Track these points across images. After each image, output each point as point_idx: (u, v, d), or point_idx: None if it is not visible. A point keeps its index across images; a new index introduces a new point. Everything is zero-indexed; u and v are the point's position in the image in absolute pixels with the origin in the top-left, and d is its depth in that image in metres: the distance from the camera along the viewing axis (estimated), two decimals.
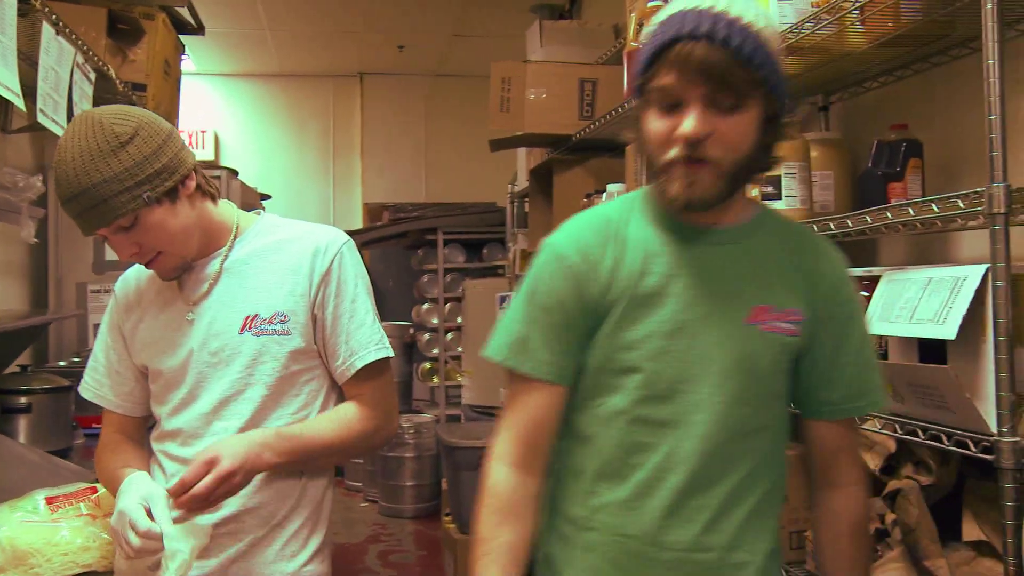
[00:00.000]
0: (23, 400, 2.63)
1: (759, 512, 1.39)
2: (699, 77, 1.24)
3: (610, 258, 1.37)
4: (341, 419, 1.67)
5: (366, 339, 1.67)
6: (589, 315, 1.37)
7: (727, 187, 1.30)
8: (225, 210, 1.72)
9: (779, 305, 1.36)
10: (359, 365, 1.66)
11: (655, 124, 1.30)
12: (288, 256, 1.67)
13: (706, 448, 1.33)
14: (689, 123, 1.25)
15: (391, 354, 1.71)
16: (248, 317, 1.64)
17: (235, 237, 1.70)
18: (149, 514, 1.48)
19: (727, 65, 1.23)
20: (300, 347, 1.65)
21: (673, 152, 1.28)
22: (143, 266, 1.66)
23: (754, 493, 1.37)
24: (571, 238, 1.40)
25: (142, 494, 1.52)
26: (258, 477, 1.60)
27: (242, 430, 1.62)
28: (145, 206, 1.53)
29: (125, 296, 1.75)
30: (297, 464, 1.64)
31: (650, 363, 1.34)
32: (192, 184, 1.62)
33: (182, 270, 1.66)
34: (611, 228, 1.39)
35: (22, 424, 2.62)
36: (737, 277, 1.37)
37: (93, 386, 1.78)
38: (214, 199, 1.70)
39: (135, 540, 1.46)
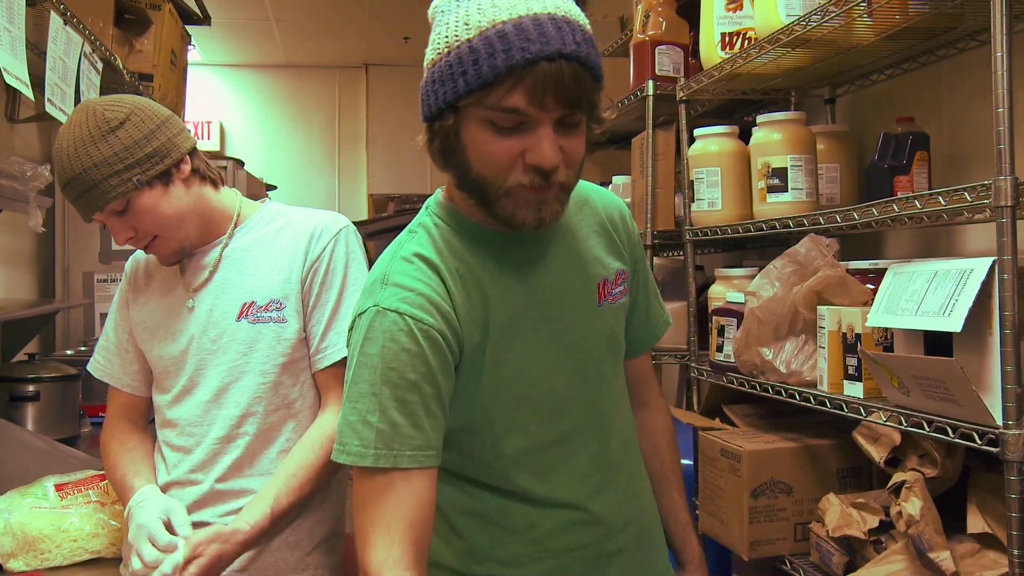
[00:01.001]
0: (31, 388, 2.64)
1: (635, 450, 1.48)
2: (555, 101, 1.13)
3: (458, 303, 1.25)
4: (308, 461, 1.60)
5: (344, 333, 1.62)
6: (453, 374, 1.26)
7: (567, 201, 1.26)
8: (227, 197, 1.72)
9: (610, 274, 1.40)
10: (331, 360, 1.64)
11: (490, 145, 1.17)
12: (286, 242, 1.67)
13: (601, 431, 1.38)
14: (547, 152, 1.15)
15: None
16: (245, 304, 1.64)
17: (236, 225, 1.70)
18: (168, 527, 1.52)
19: (586, 87, 1.15)
20: (294, 335, 1.64)
21: (520, 178, 1.18)
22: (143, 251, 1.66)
23: (631, 437, 1.47)
24: (409, 296, 1.22)
25: (161, 507, 1.55)
26: (260, 461, 1.63)
27: (242, 418, 1.63)
28: (135, 189, 1.54)
29: (135, 276, 1.77)
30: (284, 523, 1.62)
31: (538, 388, 1.31)
32: (187, 168, 1.62)
33: (181, 255, 1.67)
34: (440, 270, 1.26)
35: (30, 412, 2.63)
36: (576, 265, 1.36)
37: (103, 365, 1.79)
38: (215, 185, 1.70)
39: (151, 554, 1.48)
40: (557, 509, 1.34)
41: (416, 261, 1.26)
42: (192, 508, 1.62)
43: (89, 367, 1.80)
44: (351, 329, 1.27)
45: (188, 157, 1.62)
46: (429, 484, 1.22)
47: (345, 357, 1.54)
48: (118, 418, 1.77)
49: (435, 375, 1.21)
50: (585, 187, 1.45)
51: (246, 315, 1.64)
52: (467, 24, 1.15)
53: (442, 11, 1.21)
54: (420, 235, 1.31)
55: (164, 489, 1.67)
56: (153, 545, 1.49)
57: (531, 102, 1.13)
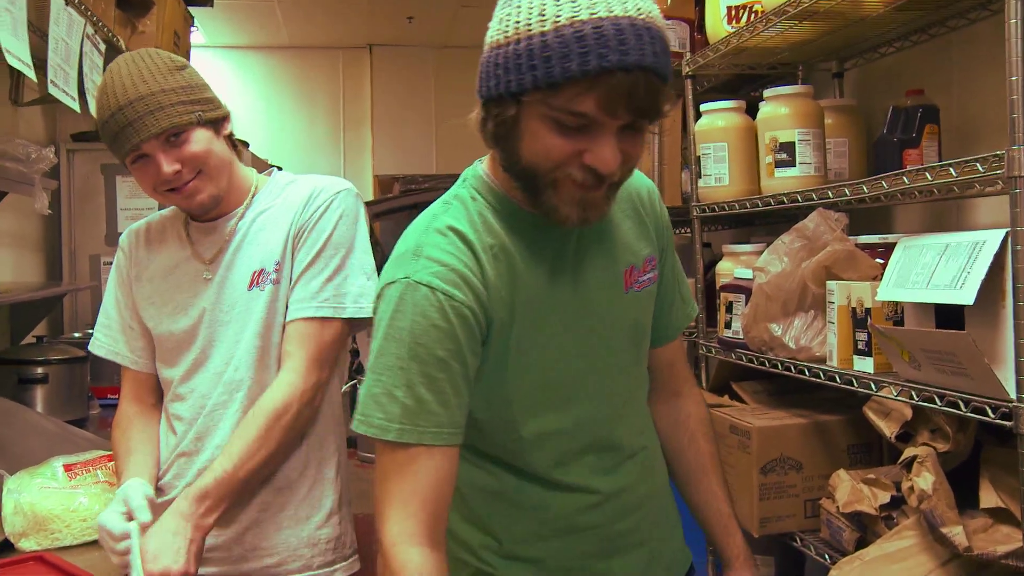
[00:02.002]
0: (40, 371, 2.65)
1: (651, 435, 1.47)
2: (626, 111, 1.10)
3: (489, 281, 1.22)
4: (260, 425, 1.57)
5: (312, 292, 1.63)
6: (480, 352, 1.24)
7: (614, 199, 1.23)
8: (246, 172, 1.74)
9: (639, 260, 1.38)
10: (290, 317, 1.64)
11: (550, 141, 1.13)
12: (285, 208, 1.68)
13: (619, 419, 1.37)
14: (608, 158, 1.12)
15: (326, 315, 1.62)
16: (255, 273, 1.65)
17: (253, 197, 1.72)
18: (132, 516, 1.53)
19: (657, 97, 1.12)
20: (282, 297, 1.65)
21: (574, 174, 1.15)
22: (175, 192, 1.62)
23: (647, 418, 1.46)
24: (442, 271, 1.20)
25: (119, 499, 1.56)
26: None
27: (240, 382, 1.64)
28: (198, 123, 1.59)
29: (135, 250, 1.75)
30: (244, 493, 1.60)
31: (562, 374, 1.30)
32: (229, 127, 1.68)
33: (213, 204, 1.65)
34: (474, 245, 1.23)
35: (39, 394, 2.64)
36: (606, 251, 1.34)
37: (107, 343, 1.76)
38: (239, 153, 1.73)
39: (116, 548, 1.51)
40: (570, 493, 1.33)
41: (450, 235, 1.23)
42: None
43: (91, 347, 1.78)
44: (378, 298, 1.24)
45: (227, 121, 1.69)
46: (450, 461, 1.21)
47: (307, 318, 1.61)
48: (127, 400, 1.76)
49: (464, 353, 1.20)
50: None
51: (255, 284, 1.65)
52: (542, 15, 1.10)
53: None
54: (456, 208, 1.27)
55: (174, 461, 1.67)
56: (112, 539, 1.51)
57: (601, 109, 1.09)
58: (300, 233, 1.65)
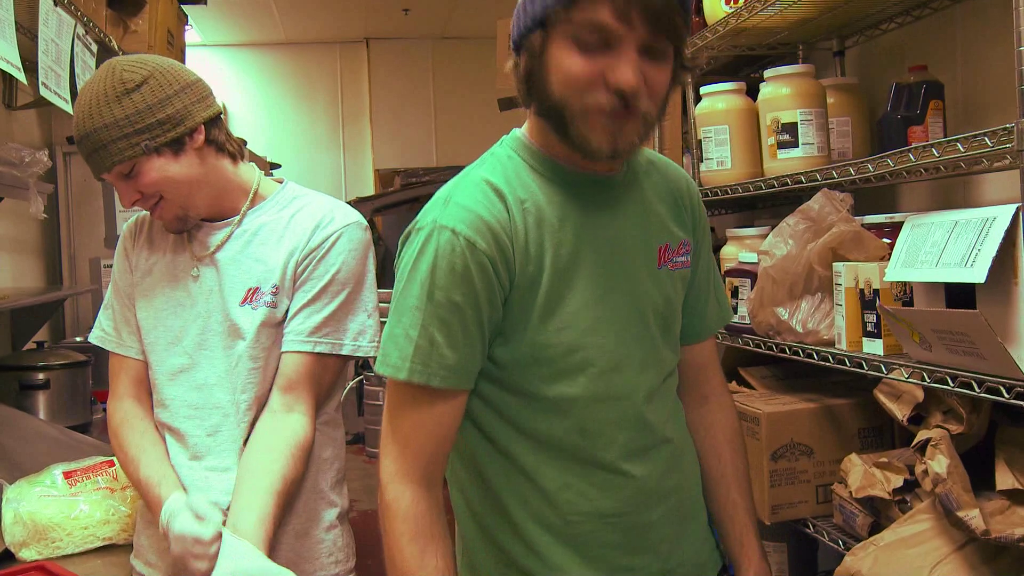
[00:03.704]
0: (41, 376, 2.63)
1: (682, 426, 1.46)
2: (642, 19, 1.13)
3: (517, 234, 1.24)
4: (291, 471, 1.54)
5: (311, 327, 1.59)
6: (500, 305, 1.25)
7: (646, 137, 1.24)
8: (245, 172, 1.68)
9: (673, 240, 1.38)
10: (285, 348, 1.60)
11: (573, 62, 1.16)
12: (295, 229, 1.63)
13: (649, 398, 1.35)
14: (629, 72, 1.14)
15: (324, 351, 1.60)
16: (250, 290, 1.61)
17: (251, 203, 1.66)
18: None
19: (674, 12, 1.14)
20: (276, 321, 1.61)
21: (600, 99, 1.16)
22: (149, 213, 1.64)
23: (678, 411, 1.45)
24: (469, 217, 1.22)
25: (188, 507, 1.50)
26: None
27: (237, 404, 1.60)
28: (143, 155, 1.52)
29: (136, 239, 1.71)
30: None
31: (591, 338, 1.28)
32: (200, 139, 1.58)
33: (186, 224, 1.62)
34: (506, 198, 1.25)
35: (41, 400, 2.62)
36: (643, 223, 1.34)
37: (112, 335, 1.70)
38: (234, 159, 1.66)
39: (209, 553, 1.44)
40: (594, 469, 1.30)
41: (483, 185, 1.25)
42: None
43: (91, 336, 1.73)
44: (405, 240, 1.27)
45: (204, 127, 1.58)
46: (455, 405, 1.25)
47: (305, 352, 1.58)
48: (127, 398, 1.67)
49: (479, 300, 1.21)
50: (654, 154, 1.45)
51: (249, 301, 1.61)
52: None
53: None
54: (490, 162, 1.31)
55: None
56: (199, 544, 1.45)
57: (617, 17, 1.12)
58: (305, 264, 1.60)
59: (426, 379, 1.21)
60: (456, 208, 1.23)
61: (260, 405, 1.61)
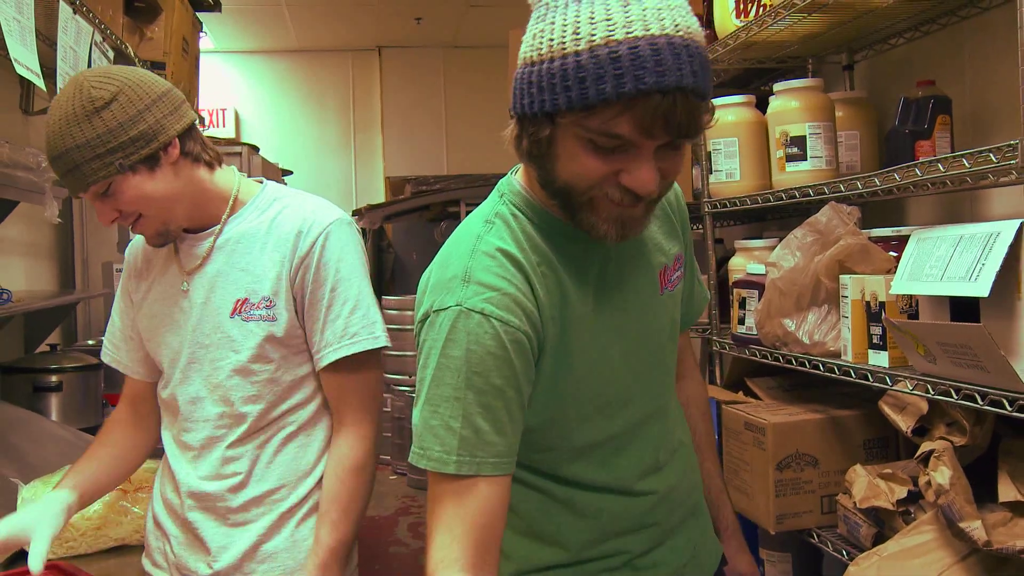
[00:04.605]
0: (54, 379, 2.66)
1: (686, 427, 1.50)
2: (664, 130, 1.06)
3: (541, 302, 1.20)
4: (350, 486, 1.58)
5: (341, 331, 1.58)
6: (533, 377, 1.21)
7: (653, 212, 1.21)
8: (223, 179, 1.65)
9: (669, 259, 1.38)
10: (328, 359, 1.59)
11: (588, 163, 1.10)
12: (277, 236, 1.60)
13: (664, 413, 1.40)
14: (646, 179, 1.10)
15: (366, 347, 1.59)
16: (238, 301, 1.59)
17: (232, 210, 1.64)
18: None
19: (696, 116, 1.08)
20: (281, 334, 1.59)
21: (611, 193, 1.12)
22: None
23: (682, 416, 1.49)
24: (496, 296, 1.16)
25: (22, 524, 1.54)
26: (266, 461, 1.61)
27: (236, 417, 1.60)
28: (118, 173, 1.49)
29: (134, 261, 1.73)
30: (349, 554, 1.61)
31: (610, 383, 1.29)
32: (175, 152, 1.54)
33: (168, 237, 1.61)
34: (524, 267, 1.20)
35: (53, 402, 2.65)
36: (643, 255, 1.33)
37: (111, 351, 1.76)
38: (211, 167, 1.63)
39: None
40: (623, 496, 1.33)
41: (499, 256, 1.20)
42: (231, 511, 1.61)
43: (101, 355, 1.79)
44: (424, 323, 1.20)
45: (179, 140, 1.55)
46: (504, 489, 1.18)
47: (344, 357, 1.56)
48: (122, 403, 1.76)
49: (519, 379, 1.17)
50: None
51: (239, 312, 1.59)
52: (576, 33, 1.06)
53: (548, 4, 1.12)
54: (499, 226, 1.24)
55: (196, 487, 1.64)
56: None
57: (637, 131, 1.06)
58: (301, 275, 1.58)
59: (476, 470, 1.14)
60: (478, 287, 1.17)
61: (281, 420, 1.62)
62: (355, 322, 1.58)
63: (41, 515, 1.55)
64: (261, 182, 1.70)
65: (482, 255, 1.20)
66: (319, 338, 1.59)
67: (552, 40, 1.08)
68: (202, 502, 1.61)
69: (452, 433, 1.14)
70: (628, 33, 1.03)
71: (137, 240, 1.74)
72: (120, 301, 1.76)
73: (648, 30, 1.03)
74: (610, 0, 1.06)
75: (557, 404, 1.25)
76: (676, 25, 1.05)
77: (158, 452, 1.74)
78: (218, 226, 1.63)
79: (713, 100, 2.44)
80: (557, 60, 1.07)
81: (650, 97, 1.03)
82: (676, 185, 1.44)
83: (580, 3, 1.07)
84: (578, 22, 1.06)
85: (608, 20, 1.05)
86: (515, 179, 1.29)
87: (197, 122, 1.62)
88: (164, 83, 1.56)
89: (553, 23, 1.09)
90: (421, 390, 1.19)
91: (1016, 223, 1.44)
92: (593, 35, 1.05)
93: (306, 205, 1.63)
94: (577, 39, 1.06)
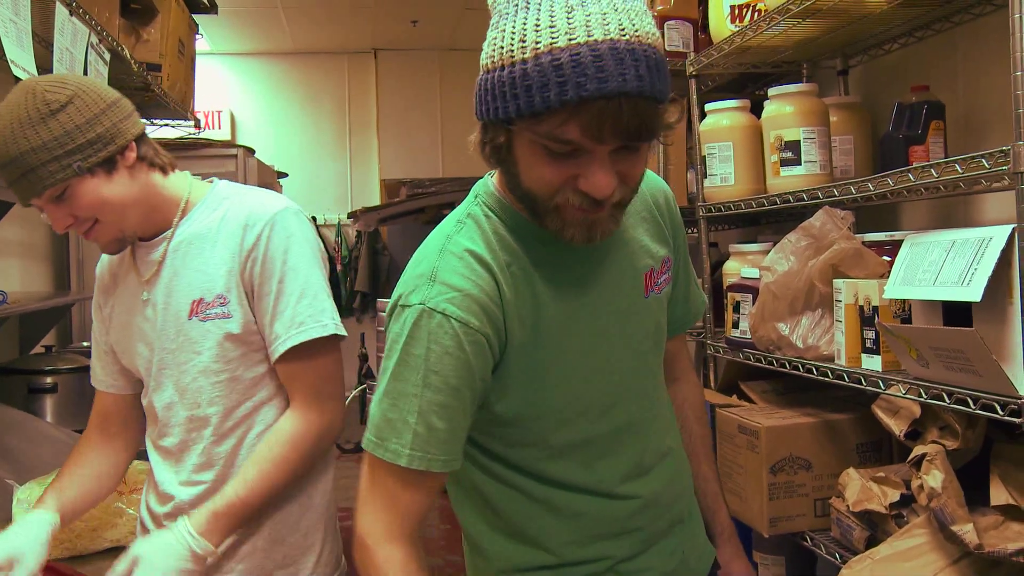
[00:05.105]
0: (49, 380, 2.66)
1: (675, 433, 1.48)
2: (613, 134, 1.06)
3: (507, 302, 1.21)
4: (275, 453, 1.54)
5: (289, 321, 1.54)
6: (491, 374, 1.23)
7: (622, 217, 1.21)
8: (175, 183, 1.63)
9: (656, 262, 1.37)
10: (280, 351, 1.55)
11: (544, 169, 1.11)
12: (226, 233, 1.58)
13: (650, 420, 1.39)
14: (600, 182, 1.09)
15: (313, 335, 1.54)
16: (194, 302, 1.57)
17: (183, 214, 1.62)
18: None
19: (647, 118, 1.07)
20: (240, 328, 1.56)
21: (571, 199, 1.12)
22: (84, 234, 1.58)
23: (672, 421, 1.47)
24: (458, 296, 1.18)
25: (11, 548, 1.53)
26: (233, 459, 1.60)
27: (204, 418, 1.59)
28: (75, 176, 1.46)
29: (102, 278, 1.72)
30: (252, 519, 1.56)
31: (589, 385, 1.30)
32: (132, 156, 1.53)
33: (123, 244, 1.60)
34: (491, 267, 1.21)
35: (48, 404, 2.65)
36: (626, 258, 1.33)
37: (95, 369, 1.76)
38: (164, 171, 1.61)
39: None
40: (605, 498, 1.33)
41: (467, 257, 1.21)
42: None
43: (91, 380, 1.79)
44: (392, 313, 1.24)
45: (135, 144, 1.53)
46: (439, 482, 1.25)
47: (294, 346, 1.53)
48: (89, 429, 1.76)
49: (475, 380, 1.20)
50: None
51: (196, 313, 1.57)
52: (523, 41, 1.07)
53: (500, 12, 1.13)
54: (469, 227, 1.25)
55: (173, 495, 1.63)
56: None
57: (586, 136, 1.06)
58: (249, 268, 1.55)
59: (427, 465, 1.19)
60: (442, 287, 1.19)
61: (247, 419, 1.60)
62: (302, 311, 1.54)
63: (29, 541, 1.55)
64: (212, 182, 1.68)
65: (450, 255, 1.22)
66: (269, 331, 1.56)
67: (503, 48, 1.10)
68: (179, 509, 1.59)
69: (407, 428, 1.19)
70: (571, 40, 1.04)
71: (105, 256, 1.73)
72: (94, 318, 1.75)
73: (591, 36, 1.04)
74: (556, 7, 1.06)
75: (531, 403, 1.26)
76: (621, 29, 1.05)
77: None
78: (171, 229, 1.61)
79: (708, 104, 2.44)
80: (507, 68, 1.09)
81: (594, 103, 1.03)
82: (667, 188, 1.45)
83: (528, 10, 1.08)
84: (524, 30, 1.07)
85: (552, 27, 1.05)
86: (491, 181, 1.31)
87: (192, 125, 1.62)
88: (114, 92, 1.55)
89: (504, 31, 1.10)
90: (382, 380, 1.23)
91: (1008, 228, 1.45)
92: (538, 43, 1.06)
93: (251, 198, 1.61)
94: (523, 47, 1.07)
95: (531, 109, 1.06)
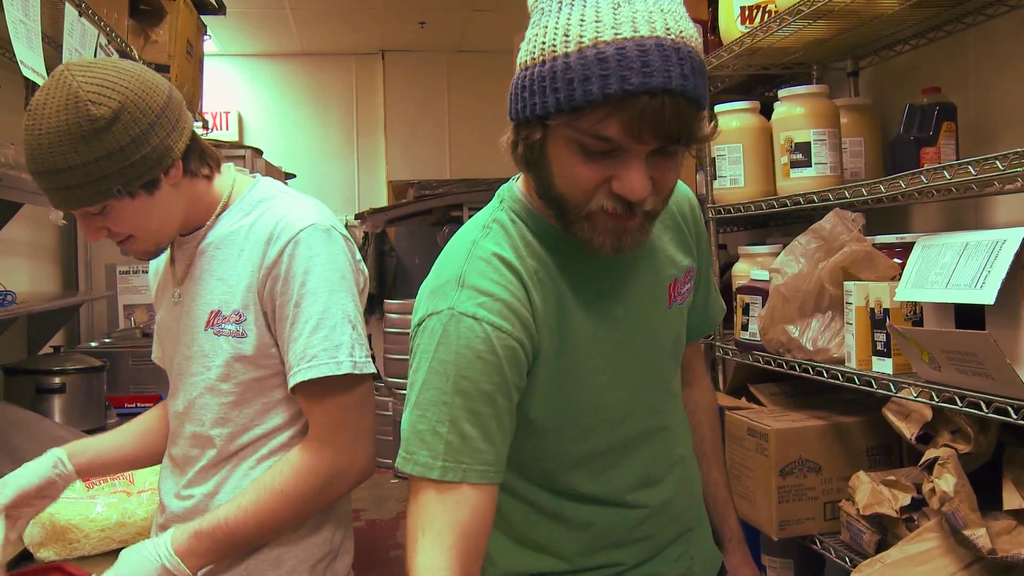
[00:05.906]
0: (57, 380, 2.65)
1: (687, 442, 1.46)
2: (653, 134, 1.04)
3: (536, 308, 1.18)
4: (278, 484, 1.41)
5: (300, 353, 1.40)
6: (524, 385, 1.19)
7: (652, 228, 1.17)
8: (218, 183, 1.53)
9: (680, 272, 1.36)
10: (294, 381, 1.42)
11: (579, 168, 1.08)
12: (253, 241, 1.46)
13: (664, 428, 1.37)
14: (636, 185, 1.07)
15: (324, 373, 1.39)
16: (212, 312, 1.47)
17: (221, 210, 1.51)
18: None
19: (687, 121, 1.05)
20: (253, 350, 1.45)
21: (604, 203, 1.10)
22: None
23: (685, 431, 1.46)
24: (489, 300, 1.15)
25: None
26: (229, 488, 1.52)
27: (205, 439, 1.51)
28: (114, 199, 1.36)
29: (157, 261, 1.66)
30: (242, 548, 1.44)
31: (609, 395, 1.28)
32: (178, 174, 1.42)
33: (158, 252, 1.52)
34: (520, 272, 1.18)
35: (56, 404, 2.64)
36: (650, 267, 1.31)
37: (155, 347, 1.74)
38: (210, 179, 1.51)
39: None
40: (617, 507, 1.32)
41: (495, 262, 1.18)
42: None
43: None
44: (418, 329, 1.18)
45: (181, 161, 1.42)
46: (491, 498, 1.15)
47: (309, 379, 1.40)
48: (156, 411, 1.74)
49: (510, 387, 1.15)
50: None
51: (212, 325, 1.47)
52: (567, 35, 1.05)
53: (542, 9, 1.11)
54: (496, 232, 1.22)
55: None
56: None
57: (626, 134, 1.03)
58: (269, 287, 1.43)
59: (461, 476, 1.11)
60: (471, 291, 1.15)
61: (254, 445, 1.50)
62: (316, 343, 1.40)
63: (25, 471, 1.58)
64: (255, 177, 1.59)
65: (478, 260, 1.18)
66: (285, 359, 1.44)
67: (544, 44, 1.08)
68: (170, 520, 1.54)
69: (438, 438, 1.12)
70: (616, 34, 1.03)
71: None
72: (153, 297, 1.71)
73: (637, 31, 1.03)
74: (601, 3, 1.05)
75: (552, 414, 1.24)
76: (667, 28, 1.04)
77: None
78: (203, 228, 1.51)
79: (718, 106, 2.44)
80: (548, 63, 1.07)
81: (637, 98, 1.01)
82: (692, 196, 1.43)
83: (572, 6, 1.06)
84: (568, 24, 1.06)
85: (598, 22, 1.04)
86: (516, 185, 1.28)
87: (200, 126, 1.57)
88: (163, 85, 1.41)
89: (546, 27, 1.08)
90: (411, 395, 1.17)
91: (1022, 230, 1.44)
92: (582, 37, 1.04)
93: (284, 208, 1.48)
94: (567, 41, 1.05)
95: (571, 103, 1.04)
